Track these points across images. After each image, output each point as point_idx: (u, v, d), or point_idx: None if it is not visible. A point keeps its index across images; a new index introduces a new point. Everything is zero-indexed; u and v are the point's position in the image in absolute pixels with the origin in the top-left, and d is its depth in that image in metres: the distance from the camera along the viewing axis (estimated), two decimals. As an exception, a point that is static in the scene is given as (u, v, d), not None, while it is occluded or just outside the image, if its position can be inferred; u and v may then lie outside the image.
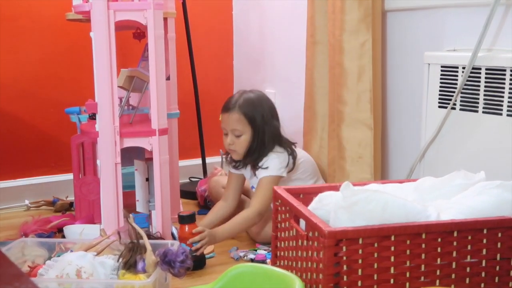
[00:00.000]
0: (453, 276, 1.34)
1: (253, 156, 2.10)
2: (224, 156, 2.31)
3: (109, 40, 1.80)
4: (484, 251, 1.35)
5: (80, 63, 2.64)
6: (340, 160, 2.20)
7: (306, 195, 1.60)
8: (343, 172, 2.19)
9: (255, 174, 2.13)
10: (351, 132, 2.16)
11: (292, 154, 2.11)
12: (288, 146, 2.13)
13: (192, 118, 2.82)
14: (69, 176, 2.46)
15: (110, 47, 1.81)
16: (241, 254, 2.00)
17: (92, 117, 2.15)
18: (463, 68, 1.75)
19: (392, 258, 1.30)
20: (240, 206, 2.25)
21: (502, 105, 1.65)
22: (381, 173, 2.25)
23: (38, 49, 2.64)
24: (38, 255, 1.73)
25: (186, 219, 1.89)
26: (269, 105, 2.12)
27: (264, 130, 2.07)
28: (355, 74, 2.13)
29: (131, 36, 2.26)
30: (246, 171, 2.19)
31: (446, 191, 1.49)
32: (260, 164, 2.09)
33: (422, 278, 1.32)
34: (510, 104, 1.63)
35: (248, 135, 2.08)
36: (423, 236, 1.31)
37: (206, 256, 1.98)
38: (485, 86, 1.70)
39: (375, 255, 1.29)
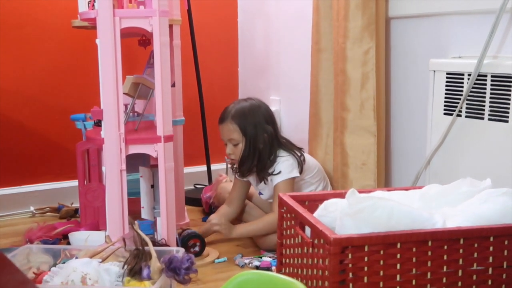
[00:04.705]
0: (459, 284, 1.33)
1: (252, 164, 2.12)
2: (230, 165, 2.33)
3: (115, 47, 1.81)
4: (490, 259, 1.34)
5: (86, 70, 2.65)
6: (343, 167, 2.20)
7: (312, 202, 1.60)
8: (346, 179, 2.19)
9: (262, 181, 2.15)
10: (354, 139, 2.16)
11: (299, 156, 2.13)
12: (292, 149, 2.15)
13: (197, 125, 2.82)
14: (74, 183, 2.46)
15: (116, 54, 1.81)
16: (246, 261, 2.00)
17: (98, 124, 2.16)
18: (469, 75, 1.75)
19: (398, 266, 1.30)
20: (242, 210, 2.29)
21: (508, 112, 1.64)
22: (385, 180, 2.24)
23: (43, 56, 2.65)
24: (43, 262, 1.73)
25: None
26: (264, 113, 2.14)
27: (257, 138, 2.10)
28: (358, 82, 2.13)
29: (137, 43, 2.27)
30: (252, 178, 2.20)
31: (452, 199, 1.49)
32: (270, 171, 2.10)
33: (428, 286, 1.32)
34: (516, 111, 1.63)
35: (243, 143, 2.10)
36: (429, 243, 1.30)
37: (216, 261, 2.02)
38: (491, 93, 1.70)
39: (381, 262, 1.28)
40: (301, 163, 2.12)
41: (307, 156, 2.22)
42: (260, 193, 2.24)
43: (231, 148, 2.14)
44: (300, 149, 2.19)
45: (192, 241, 2.03)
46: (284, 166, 2.10)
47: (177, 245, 1.97)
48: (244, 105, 2.14)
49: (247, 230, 2.12)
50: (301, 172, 2.12)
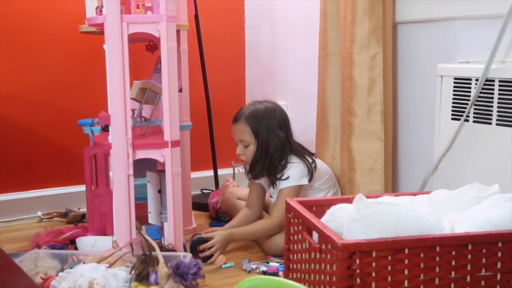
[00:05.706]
0: (467, 289, 1.33)
1: (263, 168, 2.12)
2: (243, 168, 2.32)
3: (122, 53, 1.81)
4: (499, 265, 1.33)
5: (93, 75, 2.66)
6: (350, 171, 2.19)
7: (319, 207, 1.59)
8: (353, 184, 2.18)
9: (272, 186, 2.15)
10: (361, 144, 2.16)
11: (310, 163, 2.13)
12: (304, 155, 2.14)
13: (204, 130, 2.82)
14: (82, 188, 2.47)
15: (123, 59, 1.82)
16: (253, 266, 2.00)
17: (105, 129, 2.16)
18: (476, 80, 1.75)
19: (406, 271, 1.29)
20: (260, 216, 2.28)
21: (516, 117, 1.64)
22: (392, 185, 2.24)
23: (51, 61, 2.66)
24: (50, 267, 1.73)
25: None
26: (278, 117, 2.14)
27: (269, 142, 2.10)
28: (365, 87, 2.13)
29: (144, 49, 2.28)
30: (264, 181, 2.20)
31: (460, 204, 1.48)
32: (279, 176, 2.10)
33: (436, 292, 1.31)
34: (524, 116, 1.62)
35: (254, 146, 2.10)
36: (437, 249, 1.29)
37: (223, 266, 2.01)
38: (499, 98, 1.69)
39: (389, 268, 1.28)
40: (311, 171, 2.12)
41: (319, 162, 2.22)
42: (270, 196, 2.24)
43: (241, 149, 2.15)
44: (312, 155, 2.19)
45: (201, 247, 2.02)
46: (294, 172, 2.10)
47: (185, 250, 1.97)
48: (259, 107, 2.14)
49: (245, 236, 2.14)
50: (310, 180, 2.12)
